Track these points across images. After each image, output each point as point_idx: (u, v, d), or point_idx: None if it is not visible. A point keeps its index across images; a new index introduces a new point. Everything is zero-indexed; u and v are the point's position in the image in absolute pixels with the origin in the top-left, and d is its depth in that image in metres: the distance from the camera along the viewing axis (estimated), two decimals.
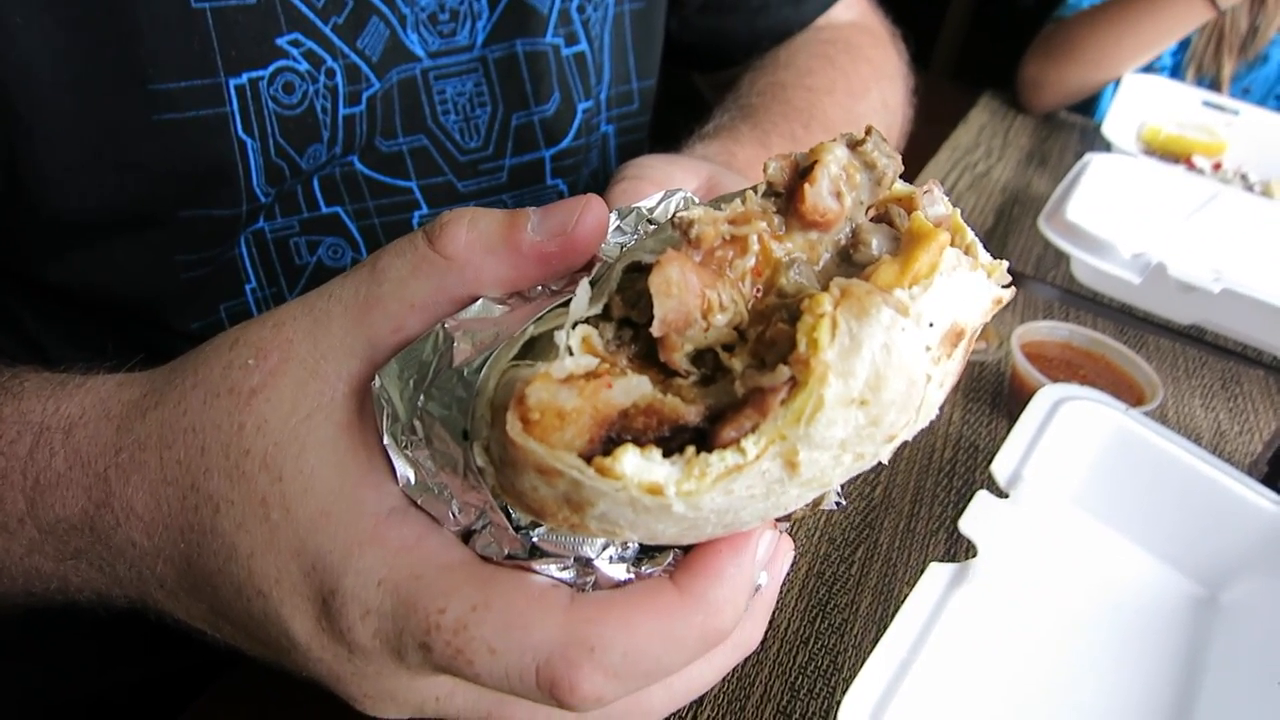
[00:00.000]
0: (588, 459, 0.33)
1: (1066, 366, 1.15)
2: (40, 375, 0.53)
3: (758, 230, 0.38)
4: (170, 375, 0.48)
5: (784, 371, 0.34)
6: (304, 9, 0.81)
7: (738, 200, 0.39)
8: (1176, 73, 2.22)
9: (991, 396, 1.16)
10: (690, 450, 0.34)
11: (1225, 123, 1.97)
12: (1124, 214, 1.46)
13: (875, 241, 0.39)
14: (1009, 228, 1.62)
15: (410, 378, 0.42)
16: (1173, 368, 1.28)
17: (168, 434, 0.45)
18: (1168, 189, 1.56)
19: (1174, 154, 1.94)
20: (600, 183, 1.15)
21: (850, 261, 0.39)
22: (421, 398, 0.41)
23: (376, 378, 0.43)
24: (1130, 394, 1.10)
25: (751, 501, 0.36)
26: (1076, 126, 2.12)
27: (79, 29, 0.71)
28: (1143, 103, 1.97)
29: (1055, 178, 1.79)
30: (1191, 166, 1.90)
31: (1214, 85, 2.18)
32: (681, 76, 1.47)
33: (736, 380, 0.35)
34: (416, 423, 0.41)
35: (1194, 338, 1.34)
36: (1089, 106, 2.22)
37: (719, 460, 0.34)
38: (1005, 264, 0.39)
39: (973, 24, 3.56)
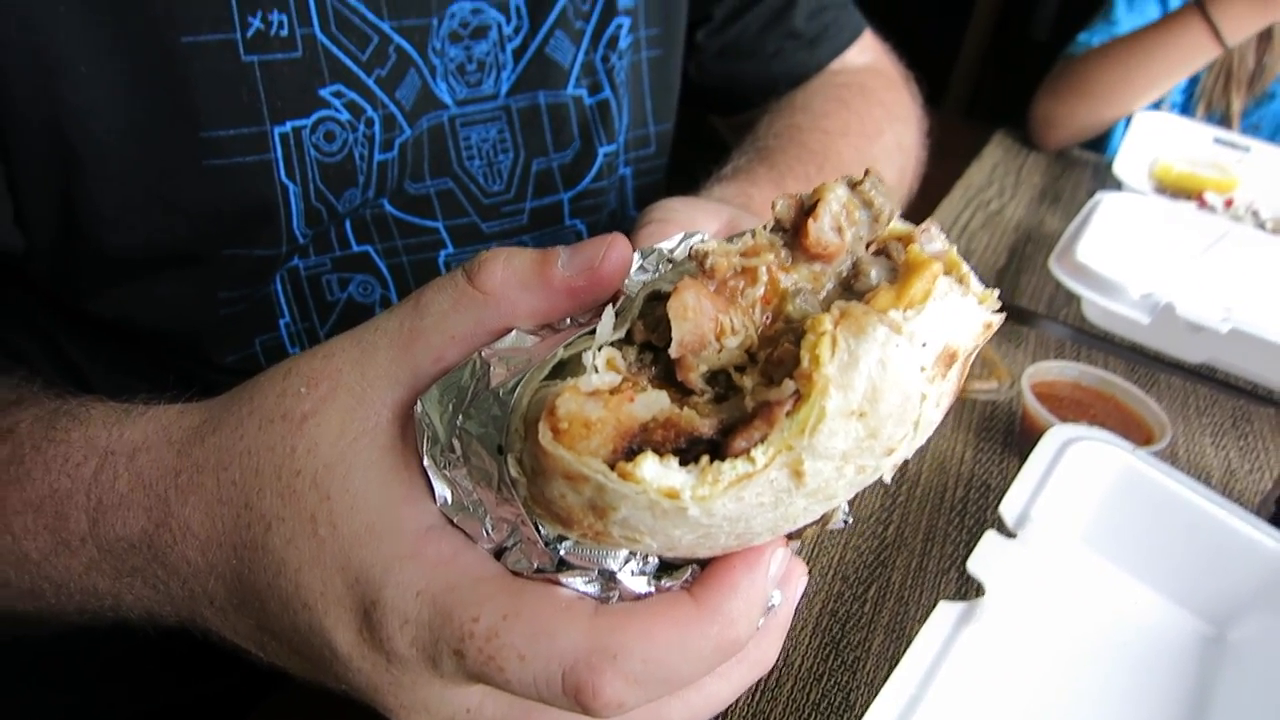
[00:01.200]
0: (611, 465, 0.37)
1: (1077, 406, 1.17)
2: (106, 404, 0.57)
3: (766, 262, 0.42)
4: (228, 403, 0.52)
5: (789, 385, 0.37)
6: (348, 62, 0.85)
7: (748, 235, 0.43)
8: (1186, 109, 2.24)
9: (1003, 435, 1.18)
10: (705, 459, 0.38)
11: (1237, 159, 1.99)
12: (1135, 253, 1.49)
13: (874, 272, 0.42)
14: (1021, 266, 1.64)
15: (450, 401, 0.46)
16: (1184, 406, 1.29)
17: (225, 457, 0.49)
18: (1178, 227, 1.58)
19: (1186, 191, 1.96)
20: (618, 223, 1.18)
21: (851, 290, 0.43)
22: (460, 418, 0.45)
23: (419, 403, 0.46)
24: (1139, 433, 1.12)
25: (761, 510, 0.39)
26: (1089, 164, 2.15)
27: (138, 78, 0.76)
28: (1154, 140, 2.00)
29: (1068, 215, 1.82)
30: (1203, 203, 1.92)
31: (1223, 121, 2.20)
32: (700, 119, 1.50)
33: (747, 397, 0.39)
34: (455, 441, 0.45)
35: (1205, 376, 1.35)
36: (1101, 143, 2.24)
37: (730, 468, 0.37)
38: (996, 292, 0.42)
39: (986, 60, 3.60)
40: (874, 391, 0.37)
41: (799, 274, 0.42)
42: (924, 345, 0.38)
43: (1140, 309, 1.27)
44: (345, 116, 0.86)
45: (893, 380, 0.38)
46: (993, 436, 1.18)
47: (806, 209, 0.43)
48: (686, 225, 0.79)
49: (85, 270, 0.85)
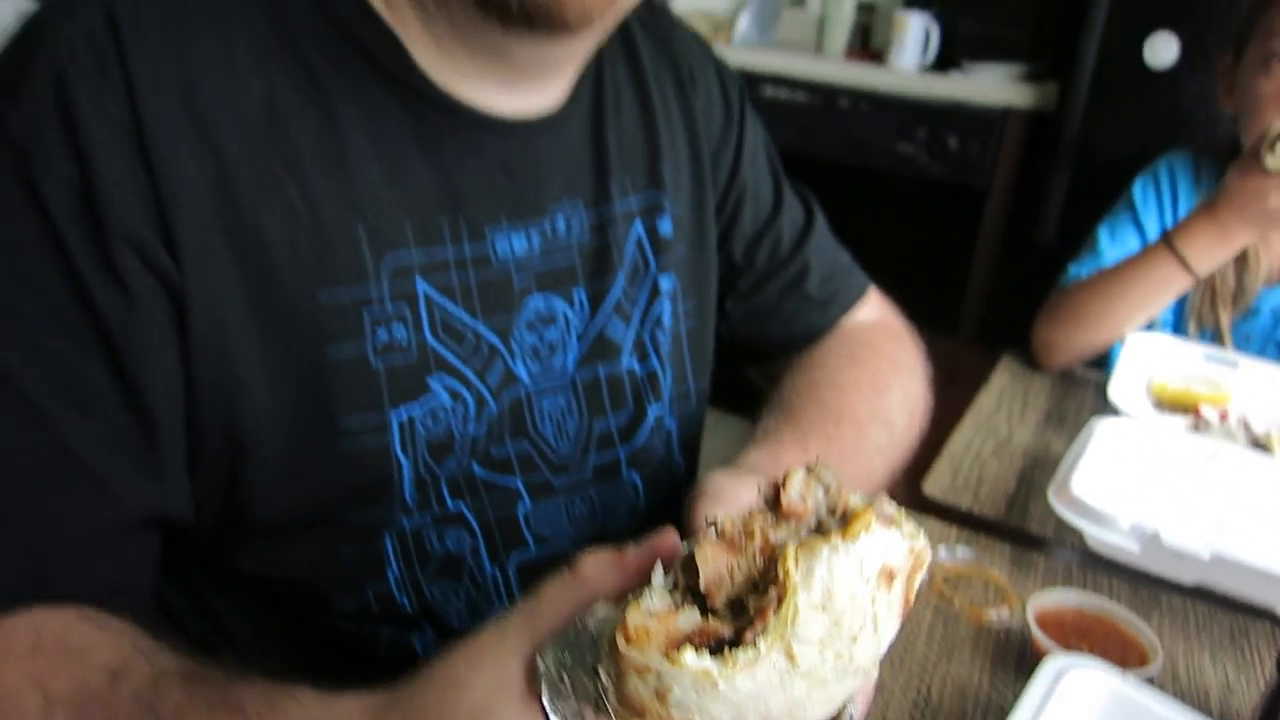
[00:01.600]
0: (664, 656, 0.58)
1: (1079, 631, 1.31)
2: (309, 690, 0.79)
3: (760, 524, 0.66)
4: (409, 682, 0.74)
5: (773, 593, 0.59)
6: (450, 357, 1.09)
7: (747, 510, 0.67)
8: (1179, 327, 2.43)
9: (1016, 660, 1.32)
10: (726, 650, 0.59)
11: (1227, 374, 2.16)
12: (1129, 479, 1.64)
13: (833, 525, 0.65)
14: (1030, 492, 1.80)
15: (561, 652, 0.67)
16: (1184, 624, 1.42)
17: (409, 717, 0.72)
18: (1170, 451, 1.74)
19: (1183, 406, 2.12)
20: (668, 471, 1.38)
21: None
22: (569, 659, 0.66)
23: (538, 658, 0.68)
24: (1136, 656, 1.25)
25: (772, 689, 0.58)
26: (1091, 382, 2.32)
27: (292, 386, 1.00)
28: (1148, 360, 2.18)
29: (1073, 436, 1.97)
30: (1199, 417, 2.07)
31: (1215, 337, 2.39)
32: (734, 368, 1.72)
33: (752, 610, 0.61)
34: (565, 677, 0.66)
35: (1203, 594, 1.48)
36: (1104, 359, 2.43)
37: (743, 654, 0.58)
38: (921, 530, 0.64)
39: (997, 279, 3.86)
40: (828, 591, 0.58)
41: (782, 530, 0.66)
42: (861, 560, 0.59)
43: (1130, 538, 1.42)
44: (447, 401, 1.09)
45: (840, 582, 0.58)
46: (1007, 662, 1.32)
47: (780, 486, 0.67)
48: (729, 499, 1.02)
49: (234, 535, 1.07)
